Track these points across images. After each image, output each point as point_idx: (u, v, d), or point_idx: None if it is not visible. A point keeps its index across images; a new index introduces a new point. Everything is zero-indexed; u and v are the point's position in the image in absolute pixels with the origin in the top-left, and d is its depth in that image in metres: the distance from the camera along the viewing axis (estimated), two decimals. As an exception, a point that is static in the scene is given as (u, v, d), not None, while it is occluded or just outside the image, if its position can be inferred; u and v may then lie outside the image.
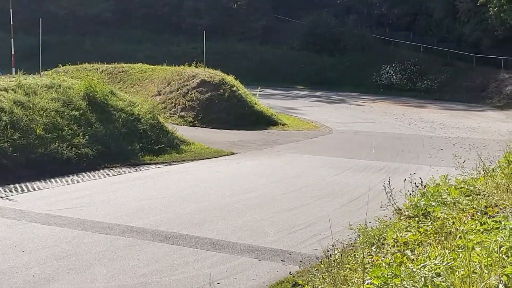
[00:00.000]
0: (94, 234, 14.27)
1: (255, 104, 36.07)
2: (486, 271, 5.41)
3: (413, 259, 7.24)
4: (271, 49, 64.56)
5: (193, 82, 35.28)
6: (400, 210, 10.30)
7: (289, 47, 65.42)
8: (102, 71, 39.15)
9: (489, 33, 56.65)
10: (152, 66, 40.26)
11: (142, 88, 37.21)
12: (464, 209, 8.73)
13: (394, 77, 57.64)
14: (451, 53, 59.67)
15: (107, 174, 21.16)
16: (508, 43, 54.82)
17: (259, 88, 40.68)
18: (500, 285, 5.23)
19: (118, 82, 38.26)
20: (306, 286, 9.14)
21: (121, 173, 21.40)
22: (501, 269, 5.32)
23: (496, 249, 5.63)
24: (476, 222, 7.18)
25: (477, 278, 5.36)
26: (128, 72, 39.77)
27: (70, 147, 21.66)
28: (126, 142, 23.81)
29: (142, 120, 25.70)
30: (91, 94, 24.81)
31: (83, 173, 20.76)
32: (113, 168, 21.84)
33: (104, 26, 68.18)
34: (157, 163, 23.24)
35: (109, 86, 28.81)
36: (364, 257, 8.43)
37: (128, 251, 13.17)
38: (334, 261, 9.32)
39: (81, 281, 11.38)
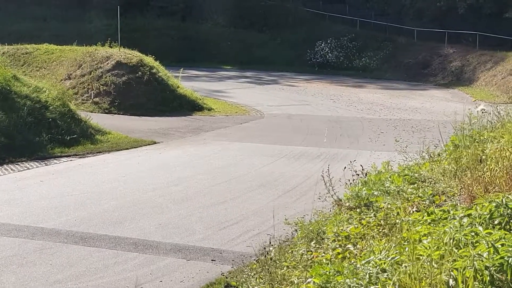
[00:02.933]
0: (-1, 237, 14.02)
1: (178, 87, 35.91)
2: (435, 265, 5.52)
3: (356, 254, 7.36)
4: (194, 26, 64.20)
5: (107, 64, 34.88)
6: (340, 201, 10.44)
7: (214, 23, 65.22)
8: (3, 53, 38.33)
9: (431, 4, 57.60)
10: (60, 47, 39.58)
11: (50, 72, 36.60)
12: (409, 198, 8.90)
13: (330, 54, 58.16)
14: (390, 27, 60.50)
15: (12, 169, 20.76)
16: (451, 14, 55.83)
17: (182, 69, 40.49)
18: (451, 280, 5.34)
19: (22, 65, 37.54)
20: (240, 287, 9.17)
21: (28, 168, 21.04)
22: (451, 263, 5.44)
23: (445, 241, 5.75)
24: (423, 212, 7.32)
25: (425, 273, 5.47)
26: (33, 54, 39.03)
27: (-32, 140, 21.23)
28: (33, 133, 23.39)
29: (51, 107, 25.27)
30: (-9, 80, 24.31)
31: (-15, 169, 20.37)
32: (19, 163, 21.45)
33: (2, 2, 66.59)
34: (69, 156, 22.93)
35: (12, 70, 28.25)
36: (303, 254, 8.52)
37: (39, 256, 12.98)
38: (270, 259, 9.38)
39: (-14, 291, 11.18)
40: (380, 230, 8.05)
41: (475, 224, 6.31)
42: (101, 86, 33.88)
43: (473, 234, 6.05)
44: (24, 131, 23.15)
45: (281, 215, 14.65)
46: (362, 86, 48.20)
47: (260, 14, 63.39)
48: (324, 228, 9.64)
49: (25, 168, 20.96)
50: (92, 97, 33.63)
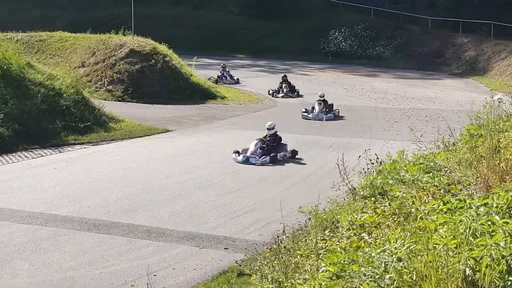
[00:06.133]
0: (13, 224, 14.04)
1: (191, 75, 35.87)
2: (451, 254, 5.47)
3: (371, 243, 7.30)
4: (207, 14, 64.15)
5: (121, 52, 34.87)
6: (355, 189, 10.37)
7: (227, 12, 65.11)
8: (17, 40, 38.40)
9: (445, -7, 57.29)
10: (74, 34, 39.60)
11: (63, 59, 36.64)
12: (425, 187, 8.83)
13: (343, 43, 57.89)
14: (404, 16, 60.15)
15: (26, 156, 20.81)
16: (466, 3, 55.49)
17: (195, 57, 40.44)
18: (467, 269, 5.30)
19: (36, 53, 37.57)
20: (254, 275, 9.14)
21: (42, 155, 21.09)
22: (468, 252, 5.40)
23: (461, 230, 5.70)
24: (438, 201, 7.25)
25: (442, 262, 5.43)
26: (47, 41, 39.06)
27: (-18, 127, 21.28)
28: (47, 121, 23.44)
29: (65, 95, 25.31)
30: (5, 67, 24.29)
31: (-1, 156, 20.43)
32: (33, 150, 21.51)
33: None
34: (82, 143, 22.98)
35: (26, 57, 28.28)
36: (317, 242, 8.47)
37: (52, 243, 13.02)
38: (284, 247, 9.35)
39: (0, 277, 11.21)
40: (395, 219, 8.00)
41: (491, 214, 6.25)
42: (114, 74, 33.89)
43: (489, 223, 6.00)
44: (38, 119, 23.21)
45: (294, 203, 14.62)
46: (375, 75, 48.00)
47: (273, 3, 63.15)
48: (338, 216, 9.60)
49: (39, 156, 21.02)
50: (106, 85, 33.65)
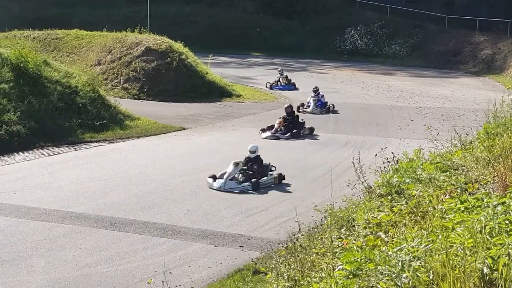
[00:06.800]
0: (29, 221, 14.11)
1: (207, 73, 35.88)
2: (469, 253, 5.45)
3: (388, 242, 7.28)
4: (223, 12, 64.02)
5: (137, 50, 34.93)
6: (371, 188, 10.33)
7: (243, 10, 64.99)
8: (34, 38, 38.50)
9: (462, -9, 57.01)
10: (90, 32, 39.68)
11: (80, 57, 36.73)
12: (441, 186, 8.78)
13: (359, 41, 57.70)
14: (421, 14, 59.81)
15: (42, 154, 20.90)
16: (483, 1, 55.21)
17: (211, 55, 40.42)
18: (485, 268, 5.27)
19: (52, 51, 37.67)
20: (270, 273, 9.14)
21: (58, 153, 21.16)
22: (485, 251, 5.37)
23: (479, 229, 5.67)
24: (455, 200, 7.22)
25: (459, 261, 5.40)
26: (63, 39, 39.17)
27: (-1, 124, 21.37)
28: (63, 118, 23.53)
29: (81, 93, 25.39)
30: (22, 65, 24.38)
31: (15, 154, 20.48)
32: (49, 147, 21.58)
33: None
34: (98, 141, 23.04)
35: (42, 55, 28.40)
36: (333, 241, 8.45)
37: (68, 240, 13.07)
38: (300, 245, 9.34)
39: (16, 274, 11.26)
40: (412, 217, 7.96)
41: (509, 212, 6.22)
42: (130, 72, 33.95)
43: (507, 222, 5.97)
44: (54, 116, 23.30)
45: (309, 202, 14.62)
46: (391, 73, 47.81)
47: (288, 1, 63.02)
48: (354, 215, 9.58)
49: (55, 153, 21.09)
50: (122, 83, 33.72)
